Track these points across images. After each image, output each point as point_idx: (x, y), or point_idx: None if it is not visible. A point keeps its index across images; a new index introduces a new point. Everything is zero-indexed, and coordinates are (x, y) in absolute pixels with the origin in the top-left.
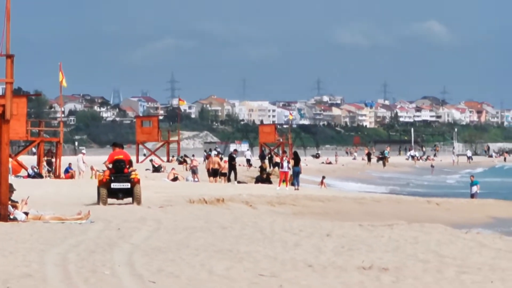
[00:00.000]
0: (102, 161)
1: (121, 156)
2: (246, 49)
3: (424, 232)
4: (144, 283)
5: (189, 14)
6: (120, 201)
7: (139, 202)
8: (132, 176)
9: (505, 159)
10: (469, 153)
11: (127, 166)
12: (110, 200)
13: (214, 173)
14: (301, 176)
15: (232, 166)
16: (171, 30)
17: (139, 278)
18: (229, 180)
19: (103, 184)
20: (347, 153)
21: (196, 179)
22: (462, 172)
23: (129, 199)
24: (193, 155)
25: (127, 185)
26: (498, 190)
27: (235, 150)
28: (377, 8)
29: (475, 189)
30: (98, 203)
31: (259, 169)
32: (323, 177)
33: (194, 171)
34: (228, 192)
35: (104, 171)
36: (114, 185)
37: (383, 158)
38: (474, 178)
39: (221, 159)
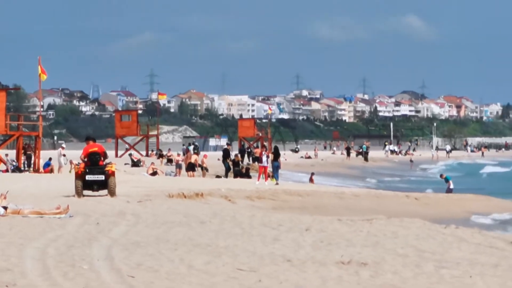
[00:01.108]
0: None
1: (95, 149)
2: (226, 44)
3: (403, 226)
4: (123, 277)
5: (168, 9)
6: (95, 193)
7: (112, 194)
8: (107, 169)
9: (482, 153)
10: (448, 148)
11: (102, 159)
12: (86, 192)
13: (192, 167)
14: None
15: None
16: (150, 24)
17: (118, 272)
18: (226, 176)
19: (78, 177)
20: (325, 147)
21: (177, 174)
22: (440, 167)
23: (105, 191)
24: (169, 149)
25: (102, 177)
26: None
27: (228, 144)
28: (356, 2)
29: (449, 185)
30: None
31: (231, 162)
32: (312, 174)
33: (179, 166)
34: (207, 186)
35: (79, 163)
36: (88, 177)
37: (362, 153)
38: (445, 176)
39: (197, 153)
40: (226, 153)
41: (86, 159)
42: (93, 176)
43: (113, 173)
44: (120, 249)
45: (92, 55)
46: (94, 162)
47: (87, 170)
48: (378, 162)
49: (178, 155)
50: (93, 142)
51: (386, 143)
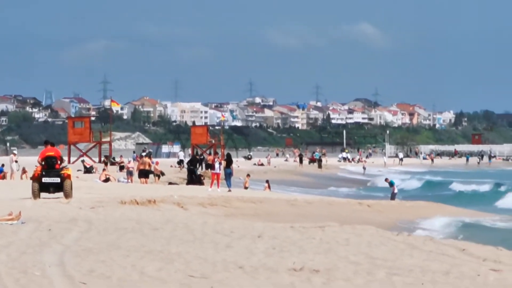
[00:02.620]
0: (34, 161)
1: (52, 153)
2: (179, 50)
3: (356, 234)
4: (74, 284)
5: (122, 16)
6: (51, 195)
7: (67, 196)
8: (62, 172)
9: (432, 161)
10: (400, 155)
11: (58, 162)
12: (43, 195)
13: (144, 174)
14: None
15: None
16: (103, 31)
17: (70, 279)
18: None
19: (35, 179)
20: (277, 154)
21: (129, 181)
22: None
23: (61, 194)
24: (121, 156)
25: (57, 180)
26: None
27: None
28: (309, 9)
29: (394, 189)
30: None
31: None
32: (267, 181)
33: (130, 173)
34: (160, 193)
35: (36, 166)
36: (45, 180)
37: (316, 160)
38: (389, 180)
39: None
40: (194, 161)
41: (43, 163)
42: (49, 179)
43: (68, 176)
44: (72, 255)
45: (46, 62)
46: (50, 165)
47: (44, 173)
48: (331, 169)
49: (129, 162)
50: (51, 146)
51: (347, 150)
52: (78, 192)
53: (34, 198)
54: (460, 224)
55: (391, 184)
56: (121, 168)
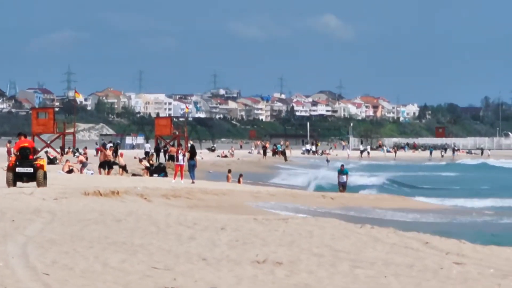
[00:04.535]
0: None
1: (26, 144)
2: (143, 42)
3: (319, 226)
4: (38, 275)
5: (87, 5)
6: (25, 184)
7: (39, 185)
8: (36, 162)
9: (395, 153)
10: (361, 148)
11: (32, 153)
12: (18, 184)
13: (108, 165)
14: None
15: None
16: (68, 21)
17: (33, 270)
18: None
19: (10, 169)
20: (241, 146)
21: (92, 171)
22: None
23: (34, 183)
24: (85, 147)
25: (30, 170)
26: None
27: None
28: (274, 1)
29: (344, 178)
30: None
31: (144, 167)
32: (240, 175)
33: (83, 165)
34: (123, 184)
35: (11, 156)
36: (18, 169)
37: (280, 152)
38: (344, 168)
39: (116, 151)
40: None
41: (18, 153)
42: (23, 169)
43: (41, 166)
44: (35, 246)
45: (9, 52)
46: (24, 156)
47: (18, 163)
48: (295, 161)
49: (85, 153)
50: (24, 138)
51: (318, 143)
52: None
53: (8, 186)
54: (424, 217)
55: (345, 172)
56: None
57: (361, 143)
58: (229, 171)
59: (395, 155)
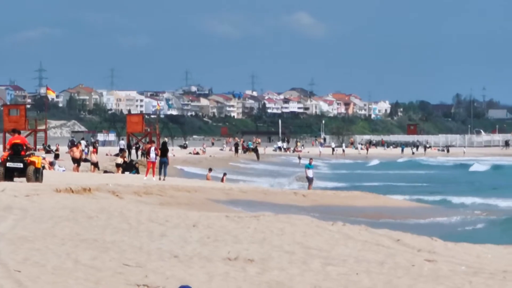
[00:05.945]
0: None
1: (18, 141)
2: (115, 38)
3: (291, 223)
4: (9, 271)
5: (59, 2)
6: (16, 179)
7: (29, 180)
8: (26, 158)
9: (367, 151)
10: (333, 145)
11: (24, 149)
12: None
13: (78, 162)
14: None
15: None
16: (40, 18)
17: (4, 267)
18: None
19: (1, 164)
20: (212, 143)
21: (64, 168)
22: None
23: (24, 178)
24: (57, 144)
25: (21, 165)
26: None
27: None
28: None
29: (310, 172)
30: None
31: (115, 165)
32: (224, 174)
33: (51, 164)
34: (95, 181)
35: (4, 152)
36: (9, 164)
37: (251, 149)
38: (312, 161)
39: (94, 147)
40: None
41: (10, 149)
42: (13, 164)
43: (32, 163)
44: (7, 243)
45: None
46: (16, 151)
47: (9, 158)
48: (267, 158)
49: (57, 150)
50: (18, 135)
51: (298, 142)
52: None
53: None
54: (399, 216)
55: (310, 167)
56: (56, 156)
57: (342, 142)
58: (210, 170)
59: (367, 153)
